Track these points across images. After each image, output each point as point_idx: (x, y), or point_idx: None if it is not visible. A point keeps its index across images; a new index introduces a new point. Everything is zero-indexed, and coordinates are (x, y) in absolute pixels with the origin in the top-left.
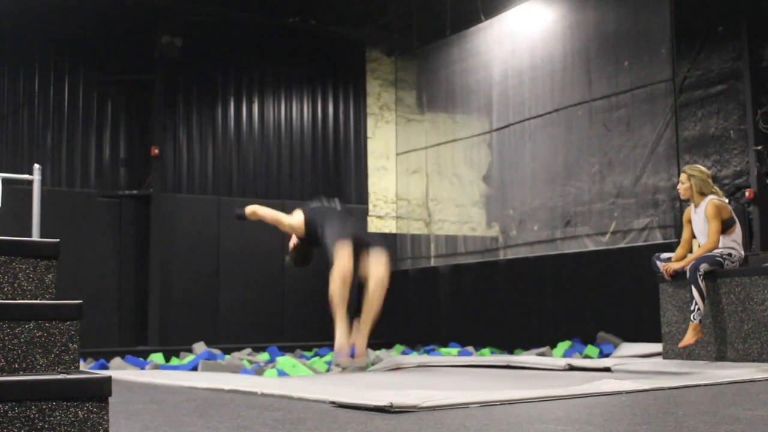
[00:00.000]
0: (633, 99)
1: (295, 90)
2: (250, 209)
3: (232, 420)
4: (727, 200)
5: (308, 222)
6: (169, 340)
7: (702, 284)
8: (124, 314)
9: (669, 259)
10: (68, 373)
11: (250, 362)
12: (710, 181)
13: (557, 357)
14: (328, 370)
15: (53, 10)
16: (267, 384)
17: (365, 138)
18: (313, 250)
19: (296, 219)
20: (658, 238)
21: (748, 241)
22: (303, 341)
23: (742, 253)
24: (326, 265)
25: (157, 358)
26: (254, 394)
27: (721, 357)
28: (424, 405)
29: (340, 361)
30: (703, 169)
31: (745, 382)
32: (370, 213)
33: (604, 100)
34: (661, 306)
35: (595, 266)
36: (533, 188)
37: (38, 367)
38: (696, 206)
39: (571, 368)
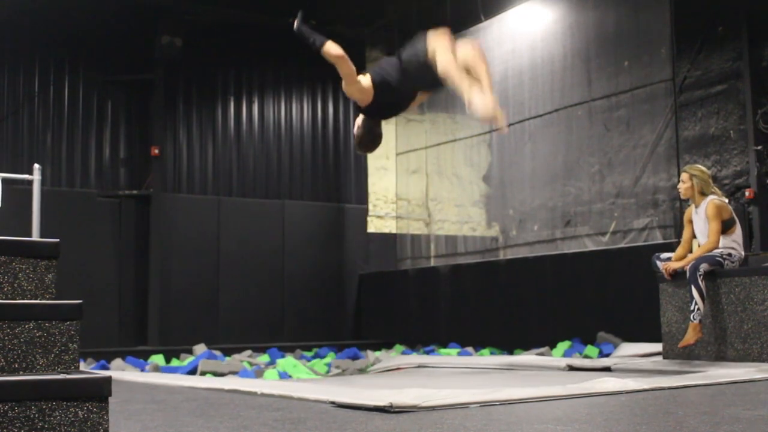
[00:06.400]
0: (633, 99)
1: (295, 90)
2: (333, 50)
3: (232, 420)
4: (727, 200)
5: (377, 84)
6: (169, 341)
7: (702, 284)
8: (124, 314)
9: (669, 259)
10: (68, 373)
11: (251, 363)
12: (710, 181)
13: (557, 357)
14: (327, 371)
15: (53, 10)
16: (267, 384)
17: None
18: (380, 125)
19: (365, 82)
20: (658, 238)
21: (748, 241)
22: (303, 342)
23: (743, 253)
24: (331, 260)
25: (158, 359)
26: (254, 394)
27: (721, 357)
28: (424, 405)
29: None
30: (704, 169)
31: (745, 381)
32: (370, 213)
33: (604, 100)
34: (661, 306)
35: (595, 266)
36: (533, 188)
37: (38, 367)
38: (696, 206)
39: (571, 368)
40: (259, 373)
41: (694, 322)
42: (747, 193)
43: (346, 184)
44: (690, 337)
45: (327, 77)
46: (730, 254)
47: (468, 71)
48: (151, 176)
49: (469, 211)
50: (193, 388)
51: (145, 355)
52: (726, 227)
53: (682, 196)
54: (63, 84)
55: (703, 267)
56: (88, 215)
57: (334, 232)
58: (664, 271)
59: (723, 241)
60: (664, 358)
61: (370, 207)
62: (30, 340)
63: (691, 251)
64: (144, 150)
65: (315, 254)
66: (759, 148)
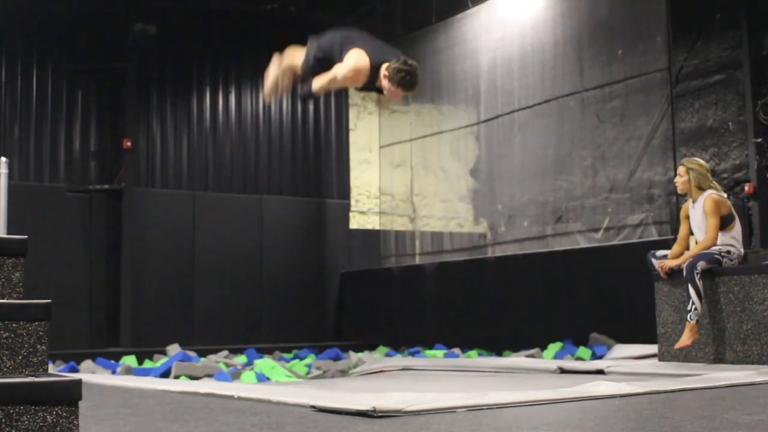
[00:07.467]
0: (627, 89)
1: None
2: (319, 86)
3: (207, 425)
4: (726, 195)
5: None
6: (141, 342)
7: (699, 283)
8: (95, 314)
9: (665, 257)
10: (36, 376)
11: (227, 365)
12: (709, 175)
13: (548, 359)
14: (308, 373)
15: None
16: (244, 387)
17: (347, 130)
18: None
19: (363, 62)
20: (653, 235)
21: (747, 237)
22: (282, 343)
23: (742, 250)
24: (312, 258)
25: (130, 360)
26: (231, 397)
27: (719, 359)
28: (409, 409)
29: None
30: (702, 162)
31: (744, 385)
32: (352, 208)
33: (597, 90)
34: (657, 306)
35: (587, 264)
36: (523, 182)
37: (5, 369)
38: (694, 201)
39: (563, 371)
40: (235, 375)
41: (691, 322)
42: (746, 188)
43: (327, 179)
44: (687, 338)
45: None
46: (728, 251)
47: None
48: (123, 170)
49: (456, 207)
50: (167, 391)
51: (117, 357)
52: (725, 223)
53: (679, 191)
54: (31, 73)
55: (701, 265)
56: (57, 211)
57: (315, 229)
58: (659, 269)
59: (721, 238)
60: (660, 360)
61: (353, 202)
62: None
63: (688, 248)
64: (116, 142)
65: (295, 251)
66: (759, 140)
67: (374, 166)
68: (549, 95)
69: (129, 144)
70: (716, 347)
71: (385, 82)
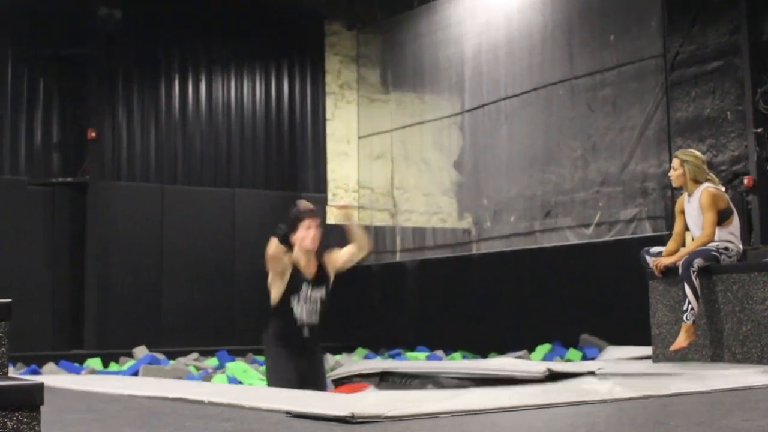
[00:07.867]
0: (620, 76)
1: (247, 67)
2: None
3: (176, 431)
4: (723, 189)
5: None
6: (107, 344)
7: (696, 281)
8: (58, 314)
9: (659, 254)
10: None
11: (197, 368)
12: (705, 167)
13: (536, 361)
14: None
15: None
16: (216, 392)
17: (324, 120)
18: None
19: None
20: (647, 230)
21: (746, 233)
22: (255, 344)
23: (740, 246)
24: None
25: (95, 363)
26: (201, 402)
27: (717, 361)
28: (389, 414)
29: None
30: (698, 154)
31: (743, 389)
32: (329, 203)
33: (588, 77)
34: (651, 305)
35: (577, 261)
36: (509, 175)
37: None
38: (689, 195)
39: (552, 373)
40: (206, 379)
41: (688, 323)
42: (745, 181)
43: (302, 171)
44: (683, 339)
45: (282, 53)
46: (726, 248)
47: None
48: (88, 162)
49: (439, 201)
50: (133, 396)
51: (81, 359)
52: (722, 218)
53: (674, 184)
54: None
55: (697, 262)
56: (17, 205)
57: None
58: (654, 267)
59: (719, 234)
60: (654, 362)
61: (330, 196)
62: None
63: (683, 245)
64: (79, 133)
65: None
66: (759, 130)
67: (352, 158)
68: (537, 83)
69: (93, 134)
70: (714, 349)
71: (299, 234)
